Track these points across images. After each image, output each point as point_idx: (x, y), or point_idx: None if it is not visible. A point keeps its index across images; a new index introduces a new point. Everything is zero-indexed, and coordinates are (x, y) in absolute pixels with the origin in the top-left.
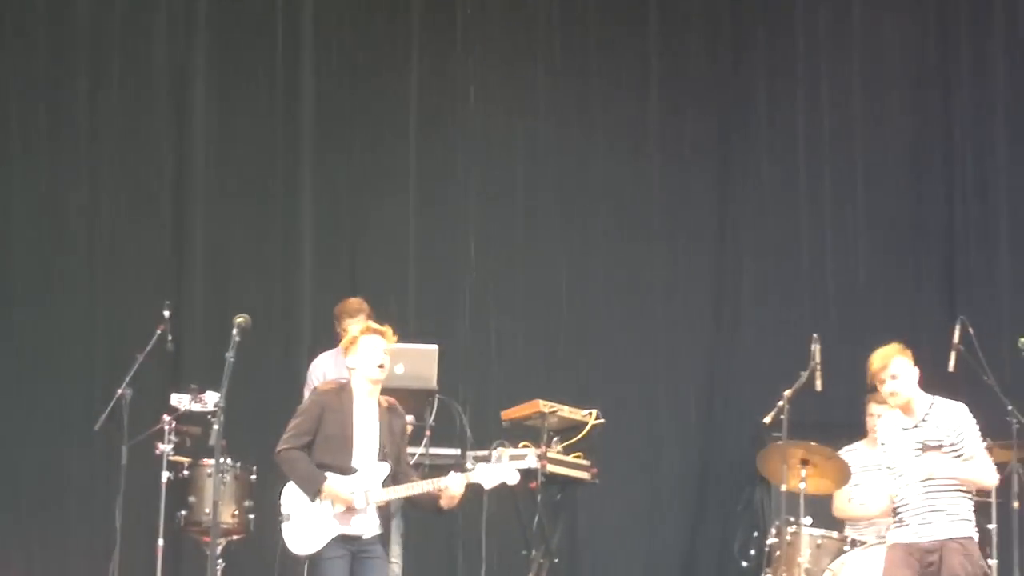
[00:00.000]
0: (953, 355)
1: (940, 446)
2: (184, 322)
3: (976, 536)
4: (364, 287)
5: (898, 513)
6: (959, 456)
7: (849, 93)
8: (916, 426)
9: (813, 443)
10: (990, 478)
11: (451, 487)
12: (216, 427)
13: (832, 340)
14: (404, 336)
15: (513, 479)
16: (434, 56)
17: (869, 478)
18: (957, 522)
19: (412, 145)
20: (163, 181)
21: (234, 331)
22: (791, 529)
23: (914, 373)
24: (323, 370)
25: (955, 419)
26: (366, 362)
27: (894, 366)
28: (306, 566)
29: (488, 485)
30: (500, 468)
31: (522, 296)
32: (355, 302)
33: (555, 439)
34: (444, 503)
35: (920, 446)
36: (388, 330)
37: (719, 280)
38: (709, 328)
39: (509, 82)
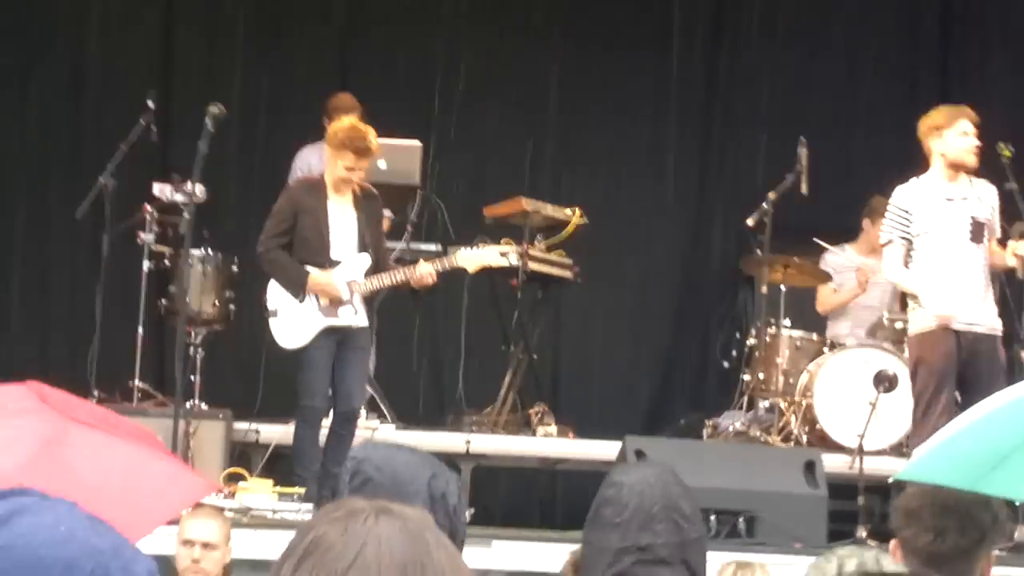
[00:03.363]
0: None
1: (988, 222)
2: (172, 112)
3: None
4: (352, 82)
5: (931, 288)
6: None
7: None
8: (966, 199)
9: (795, 257)
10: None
11: (420, 271)
12: (186, 216)
13: (821, 143)
14: (388, 130)
15: (496, 260)
16: None
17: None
18: (997, 318)
19: None
20: None
21: (207, 120)
22: (771, 330)
23: None
24: (307, 164)
25: (994, 198)
26: (336, 176)
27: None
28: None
29: (471, 267)
30: (482, 251)
31: (511, 94)
32: (347, 98)
33: (538, 237)
34: (415, 284)
35: (972, 220)
36: (372, 144)
37: (710, 79)
38: (699, 128)
39: None
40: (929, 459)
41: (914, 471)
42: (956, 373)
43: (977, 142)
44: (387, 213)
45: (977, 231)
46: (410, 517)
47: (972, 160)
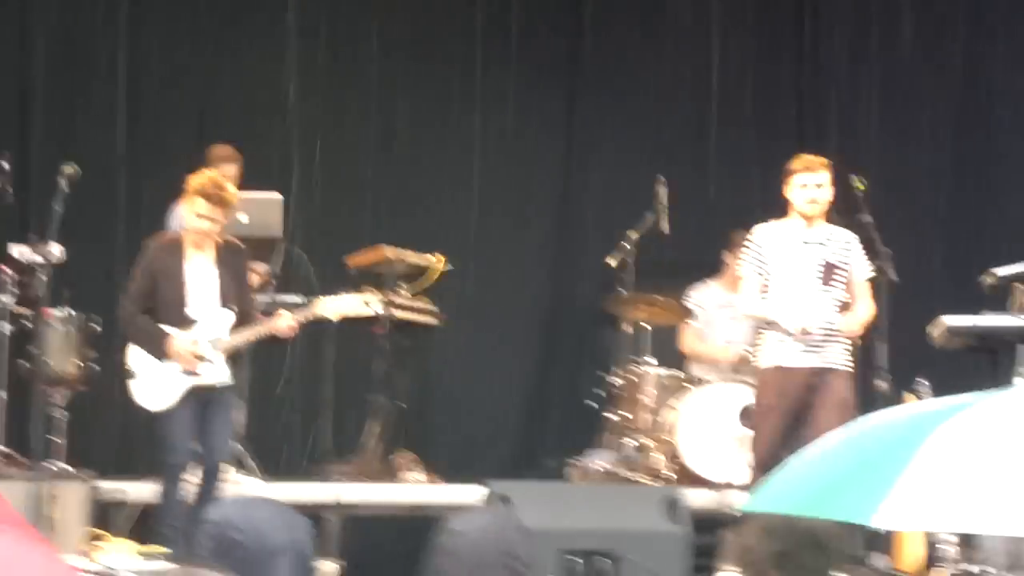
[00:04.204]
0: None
1: (841, 267)
2: (32, 171)
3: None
4: (210, 135)
5: (777, 330)
6: (846, 282)
7: None
8: (821, 243)
9: (658, 296)
10: (867, 320)
11: (280, 323)
12: (43, 277)
13: (682, 180)
14: (250, 184)
15: (358, 308)
16: None
17: (721, 316)
18: (844, 355)
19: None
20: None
21: (61, 180)
22: (636, 369)
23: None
24: (181, 220)
25: (851, 244)
26: (189, 225)
27: (823, 174)
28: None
29: (333, 316)
30: (343, 299)
31: (369, 144)
32: (226, 148)
33: (402, 285)
34: (278, 335)
35: (823, 263)
36: (228, 196)
37: (568, 119)
38: (558, 169)
39: None
40: (770, 490)
41: (758, 502)
42: (794, 409)
43: (815, 194)
44: (261, 267)
45: (828, 274)
46: None
47: (809, 211)
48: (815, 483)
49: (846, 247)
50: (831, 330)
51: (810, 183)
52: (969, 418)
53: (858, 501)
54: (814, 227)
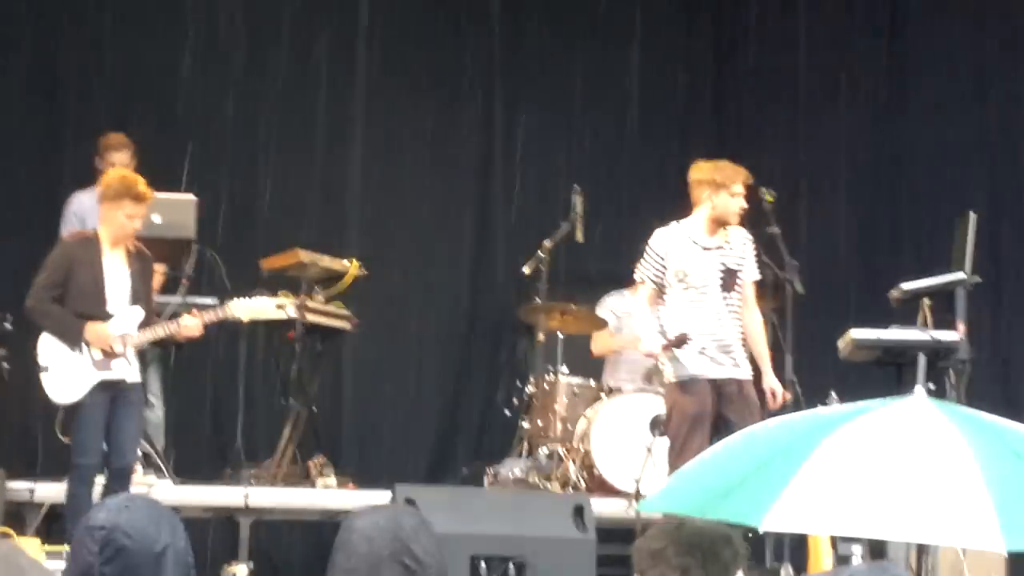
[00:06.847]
0: None
1: (739, 270)
2: None
3: None
4: (126, 127)
5: (685, 344)
6: (739, 282)
7: None
8: (720, 247)
9: (572, 304)
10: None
11: (187, 325)
12: None
13: (596, 191)
14: (166, 186)
15: (270, 311)
16: None
17: (633, 324)
18: (746, 366)
19: None
20: None
21: None
22: (549, 377)
23: None
24: (82, 210)
25: (745, 245)
26: (118, 226)
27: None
28: (61, 412)
29: (245, 317)
30: (256, 301)
31: (286, 144)
32: (119, 137)
33: (316, 289)
34: (180, 336)
35: (723, 268)
36: (146, 190)
37: (487, 129)
38: (477, 178)
39: None
40: (668, 491)
41: (654, 502)
42: (711, 418)
43: (745, 204)
44: (160, 268)
45: (728, 279)
46: None
47: (736, 221)
48: (709, 486)
49: (742, 248)
50: (733, 340)
51: (741, 192)
52: (860, 425)
53: (750, 504)
54: (716, 232)
